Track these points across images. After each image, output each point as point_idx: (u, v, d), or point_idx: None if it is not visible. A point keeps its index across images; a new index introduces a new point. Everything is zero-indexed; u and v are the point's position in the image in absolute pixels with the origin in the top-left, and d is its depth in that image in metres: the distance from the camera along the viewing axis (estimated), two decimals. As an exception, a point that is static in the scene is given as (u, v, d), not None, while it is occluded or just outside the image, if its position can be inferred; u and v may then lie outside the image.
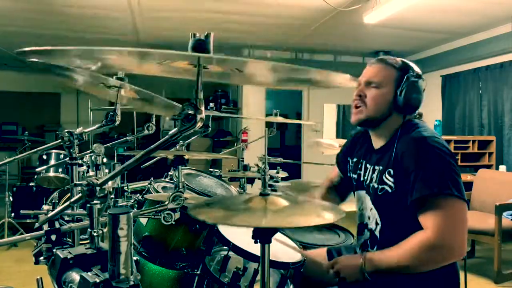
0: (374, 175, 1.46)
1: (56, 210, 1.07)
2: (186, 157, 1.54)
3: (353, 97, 1.48)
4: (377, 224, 1.48)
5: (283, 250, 1.49)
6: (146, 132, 2.12)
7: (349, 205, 1.63)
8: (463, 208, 1.29)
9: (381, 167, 1.44)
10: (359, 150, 1.61)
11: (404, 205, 1.34)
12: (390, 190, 1.39)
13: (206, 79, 0.86)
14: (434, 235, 1.25)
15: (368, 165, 1.52)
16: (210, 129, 2.06)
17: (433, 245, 1.26)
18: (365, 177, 1.52)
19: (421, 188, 1.28)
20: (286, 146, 9.37)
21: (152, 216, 1.43)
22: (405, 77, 1.40)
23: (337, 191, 1.77)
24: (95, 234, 0.94)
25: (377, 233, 1.48)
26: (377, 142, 1.51)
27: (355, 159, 1.61)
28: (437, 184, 1.27)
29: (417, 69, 1.45)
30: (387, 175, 1.40)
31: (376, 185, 1.44)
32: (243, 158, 3.15)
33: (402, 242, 1.32)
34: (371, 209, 1.49)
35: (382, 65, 1.44)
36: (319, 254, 1.65)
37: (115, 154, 3.08)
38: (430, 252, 1.26)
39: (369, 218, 1.51)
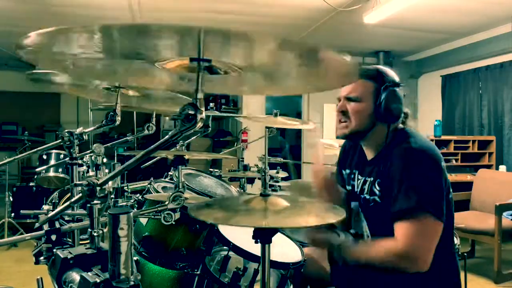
0: (366, 187, 1.47)
1: (56, 210, 1.07)
2: (186, 157, 1.54)
3: (335, 113, 1.50)
4: (368, 236, 1.48)
5: (283, 250, 1.49)
6: (146, 132, 2.12)
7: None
8: (435, 226, 1.30)
9: (371, 178, 1.45)
10: (351, 161, 1.61)
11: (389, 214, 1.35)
12: (379, 201, 1.40)
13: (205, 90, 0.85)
14: (400, 244, 1.28)
15: (360, 176, 1.53)
16: (210, 129, 2.06)
17: (397, 253, 1.28)
18: (358, 189, 1.52)
19: (401, 201, 1.30)
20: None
21: (152, 216, 1.43)
22: (382, 88, 1.40)
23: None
24: (95, 234, 0.94)
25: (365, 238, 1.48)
26: (369, 153, 1.52)
27: (348, 171, 1.61)
28: (416, 200, 1.28)
29: (393, 76, 1.45)
30: (376, 186, 1.41)
31: (367, 197, 1.45)
32: (243, 158, 3.16)
33: (376, 241, 1.36)
34: (362, 221, 1.50)
35: (359, 79, 1.44)
36: (320, 252, 1.66)
37: (115, 154, 3.08)
38: (393, 259, 1.29)
39: (361, 229, 1.52)
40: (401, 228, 1.30)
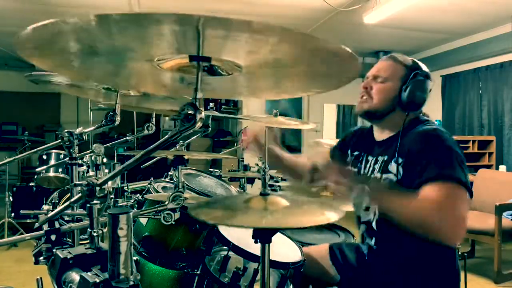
0: (377, 166, 1.46)
1: (56, 210, 1.07)
2: (186, 157, 1.54)
3: (360, 90, 1.50)
4: (374, 214, 1.48)
5: (283, 249, 1.49)
6: (146, 132, 2.11)
7: (349, 205, 1.63)
8: (465, 197, 1.25)
9: (385, 157, 1.43)
10: (361, 144, 1.61)
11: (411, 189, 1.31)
12: (394, 179, 1.38)
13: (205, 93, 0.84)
14: (433, 206, 1.20)
15: (370, 157, 1.52)
16: (210, 129, 2.06)
17: (433, 204, 1.20)
18: (366, 169, 1.52)
19: (429, 171, 1.25)
20: (286, 146, 9.35)
21: (152, 216, 1.43)
22: (412, 74, 1.42)
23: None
24: (95, 234, 0.94)
25: (374, 224, 1.48)
26: (381, 135, 1.51)
27: (356, 153, 1.61)
28: (445, 169, 1.24)
29: (426, 69, 1.47)
30: (393, 164, 1.39)
31: (379, 175, 1.44)
32: (243, 158, 3.15)
33: (409, 196, 1.26)
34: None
35: (392, 62, 1.47)
36: (320, 251, 1.66)
37: (115, 154, 3.08)
38: (424, 221, 1.20)
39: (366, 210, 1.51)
40: (432, 189, 1.22)
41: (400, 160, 1.37)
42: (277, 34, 0.69)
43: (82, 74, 1.00)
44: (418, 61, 1.49)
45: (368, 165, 1.51)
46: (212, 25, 0.66)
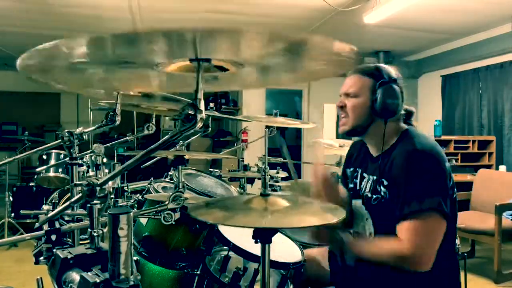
0: (368, 185, 1.48)
1: (56, 210, 1.07)
2: (186, 157, 1.54)
3: (335, 112, 1.52)
4: (370, 234, 1.48)
5: (283, 250, 1.49)
6: (146, 132, 2.12)
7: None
8: (440, 224, 1.31)
9: (374, 177, 1.46)
10: (356, 160, 1.63)
11: (395, 215, 1.36)
12: (383, 200, 1.41)
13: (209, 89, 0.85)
14: (405, 246, 1.29)
15: (364, 174, 1.54)
16: (210, 129, 2.06)
17: (402, 255, 1.30)
18: (361, 186, 1.53)
19: (406, 205, 1.31)
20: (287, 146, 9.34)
21: (152, 216, 1.43)
22: (378, 83, 1.42)
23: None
24: (95, 234, 0.94)
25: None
26: (373, 150, 1.53)
27: (351, 169, 1.62)
28: (420, 201, 1.29)
29: (392, 73, 1.46)
30: (380, 185, 1.42)
31: (369, 195, 1.46)
32: (243, 158, 3.15)
33: (380, 240, 1.38)
34: (366, 219, 1.49)
35: (358, 75, 1.47)
36: (320, 252, 1.66)
37: (115, 154, 3.08)
38: (398, 261, 1.31)
39: (363, 227, 1.52)
40: (406, 229, 1.31)
41: (385, 182, 1.40)
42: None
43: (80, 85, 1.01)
44: (382, 65, 1.49)
45: (363, 182, 1.53)
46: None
